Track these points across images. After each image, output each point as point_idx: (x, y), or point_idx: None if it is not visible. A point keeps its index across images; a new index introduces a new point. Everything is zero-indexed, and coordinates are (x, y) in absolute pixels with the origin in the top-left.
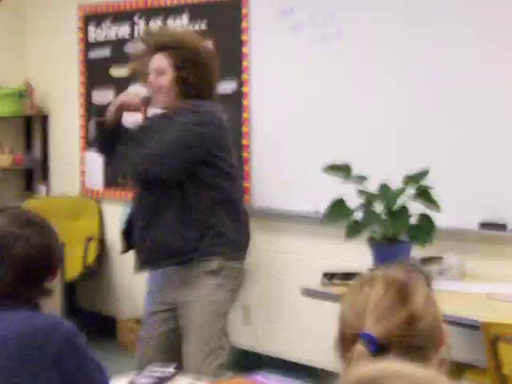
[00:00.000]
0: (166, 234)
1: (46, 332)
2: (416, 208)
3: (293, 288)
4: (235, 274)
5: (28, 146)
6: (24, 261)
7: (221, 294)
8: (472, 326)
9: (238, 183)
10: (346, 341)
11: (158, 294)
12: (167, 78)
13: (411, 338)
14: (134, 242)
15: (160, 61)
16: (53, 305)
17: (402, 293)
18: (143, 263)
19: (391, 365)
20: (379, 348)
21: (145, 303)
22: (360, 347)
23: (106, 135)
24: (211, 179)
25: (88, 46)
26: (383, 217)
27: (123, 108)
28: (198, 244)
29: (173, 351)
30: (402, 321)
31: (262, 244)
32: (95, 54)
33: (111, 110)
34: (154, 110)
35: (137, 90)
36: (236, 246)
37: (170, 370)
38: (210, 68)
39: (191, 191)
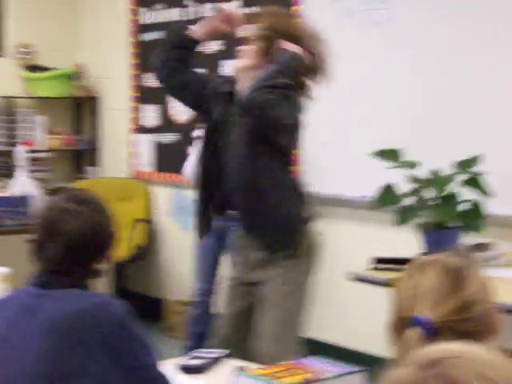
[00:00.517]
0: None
1: (96, 312)
2: (468, 195)
3: (341, 273)
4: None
5: (78, 127)
6: (77, 238)
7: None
8: None
9: None
10: (400, 325)
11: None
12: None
13: (464, 324)
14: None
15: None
16: (102, 286)
17: (456, 279)
18: None
19: (455, 346)
20: (433, 332)
21: None
22: (413, 331)
23: (190, 44)
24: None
25: (139, 28)
26: (433, 203)
27: (222, 22)
28: None
29: None
30: (456, 306)
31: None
32: (147, 36)
33: (209, 20)
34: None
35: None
36: None
37: (220, 352)
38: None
39: None
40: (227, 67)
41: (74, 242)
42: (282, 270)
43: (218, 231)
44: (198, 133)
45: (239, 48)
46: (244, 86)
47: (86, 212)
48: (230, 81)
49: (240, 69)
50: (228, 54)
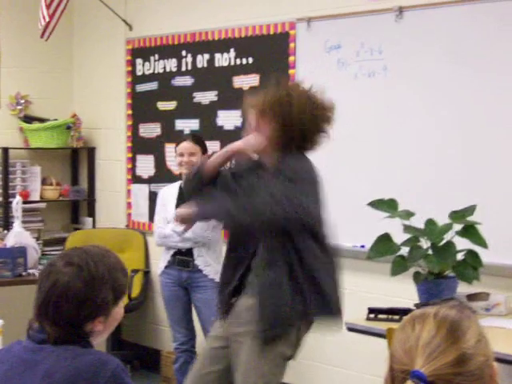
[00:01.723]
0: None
1: (92, 371)
2: (463, 243)
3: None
4: None
5: (75, 178)
6: (78, 298)
7: None
8: None
9: None
10: (396, 378)
11: None
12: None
13: (462, 378)
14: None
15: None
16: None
17: (454, 332)
18: None
19: None
20: None
21: None
22: None
23: (206, 179)
24: None
25: (135, 79)
26: (429, 252)
27: (235, 155)
28: None
29: None
30: (453, 360)
31: None
32: (142, 87)
33: (222, 153)
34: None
35: (252, 140)
36: None
37: None
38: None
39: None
40: (222, 117)
41: (74, 303)
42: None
43: (182, 282)
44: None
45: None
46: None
47: (72, 275)
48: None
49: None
50: (224, 104)
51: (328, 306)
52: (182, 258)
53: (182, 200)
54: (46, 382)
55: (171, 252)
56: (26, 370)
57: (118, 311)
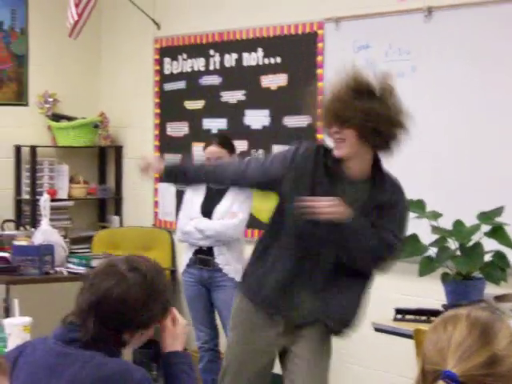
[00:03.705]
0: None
1: (117, 380)
2: (490, 244)
3: (365, 323)
4: None
5: (102, 176)
6: (135, 305)
7: None
8: None
9: None
10: (428, 378)
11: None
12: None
13: (492, 379)
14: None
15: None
16: None
17: (486, 333)
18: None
19: None
20: None
21: None
22: None
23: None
24: None
25: (163, 78)
26: (457, 253)
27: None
28: None
29: None
30: (484, 361)
31: None
32: (170, 86)
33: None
34: None
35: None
36: None
37: None
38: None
39: None
40: (250, 117)
41: (120, 310)
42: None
43: (203, 281)
44: None
45: (335, 131)
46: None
47: (134, 281)
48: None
49: (342, 157)
50: (251, 104)
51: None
52: (203, 257)
53: (208, 199)
54: None
55: (192, 250)
56: (52, 376)
57: (151, 332)
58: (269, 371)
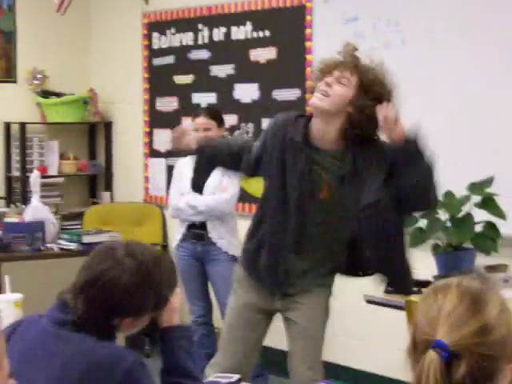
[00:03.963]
0: None
1: (107, 365)
2: (481, 215)
3: (356, 296)
4: None
5: (92, 152)
6: (126, 291)
7: None
8: None
9: None
10: (419, 348)
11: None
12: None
13: (484, 348)
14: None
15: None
16: None
17: (476, 302)
18: None
19: None
20: (451, 356)
21: None
22: (432, 354)
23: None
24: None
25: (152, 53)
26: (448, 224)
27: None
28: None
29: None
30: (475, 330)
31: None
32: (159, 61)
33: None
34: None
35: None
36: None
37: (235, 377)
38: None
39: None
40: (239, 91)
41: (110, 293)
42: (316, 299)
43: (197, 255)
44: None
45: (327, 82)
46: (319, 133)
47: (130, 266)
48: (299, 129)
49: (317, 108)
50: (241, 77)
51: None
52: (196, 232)
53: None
54: (63, 374)
55: (185, 225)
56: (43, 357)
57: (145, 321)
58: (263, 330)
